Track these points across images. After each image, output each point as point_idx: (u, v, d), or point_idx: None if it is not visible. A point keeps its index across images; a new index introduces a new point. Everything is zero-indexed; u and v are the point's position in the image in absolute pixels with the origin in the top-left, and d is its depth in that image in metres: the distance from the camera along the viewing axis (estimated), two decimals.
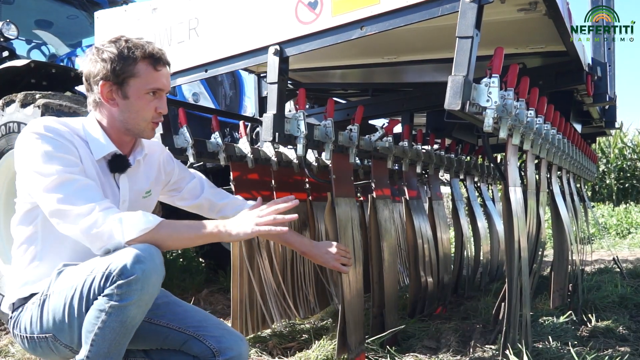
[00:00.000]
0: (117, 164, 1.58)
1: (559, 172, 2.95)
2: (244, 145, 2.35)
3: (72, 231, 1.38)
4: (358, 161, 2.81)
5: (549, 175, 2.73)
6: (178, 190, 1.88)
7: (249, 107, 4.13)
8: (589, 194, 11.21)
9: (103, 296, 1.32)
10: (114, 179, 1.59)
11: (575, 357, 1.95)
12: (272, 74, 1.78)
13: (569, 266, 2.95)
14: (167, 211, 3.23)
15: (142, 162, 1.68)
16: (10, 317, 1.54)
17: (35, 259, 1.52)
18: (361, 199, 2.96)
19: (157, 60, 1.52)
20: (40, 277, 1.51)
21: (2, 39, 3.75)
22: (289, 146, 2.28)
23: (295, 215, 1.57)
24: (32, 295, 1.50)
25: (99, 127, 1.57)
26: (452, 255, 3.53)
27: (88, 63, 1.54)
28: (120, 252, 1.35)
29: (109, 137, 1.57)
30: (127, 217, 1.40)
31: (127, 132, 1.58)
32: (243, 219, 1.52)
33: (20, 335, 1.50)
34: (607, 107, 3.31)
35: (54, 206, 1.38)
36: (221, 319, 1.72)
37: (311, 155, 2.58)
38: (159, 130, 2.19)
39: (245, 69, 3.16)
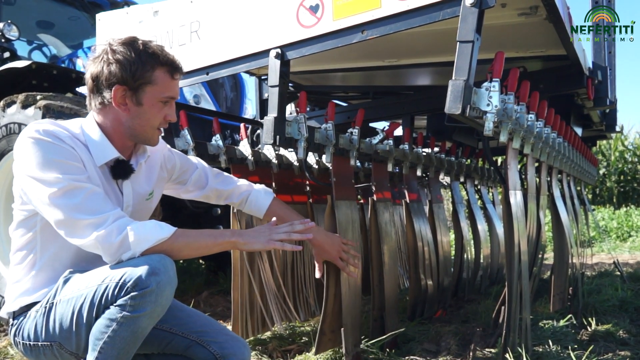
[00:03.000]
0: (120, 170, 1.53)
1: (559, 176, 2.96)
2: (244, 148, 2.35)
3: (84, 242, 1.35)
4: (358, 164, 2.81)
5: (549, 179, 2.74)
6: (182, 184, 1.84)
7: (250, 109, 4.14)
8: (590, 197, 11.21)
9: (115, 306, 1.31)
10: (116, 184, 1.55)
11: None
12: (273, 77, 1.78)
13: (569, 269, 2.95)
14: (168, 213, 3.21)
15: (143, 165, 1.63)
16: (12, 325, 1.52)
17: (35, 267, 1.49)
18: (361, 201, 2.96)
19: (175, 68, 1.50)
20: (41, 285, 1.49)
21: (3, 40, 3.75)
22: (290, 149, 2.29)
23: (310, 235, 1.63)
24: (35, 303, 1.48)
25: (100, 130, 1.51)
26: (452, 258, 3.53)
27: (99, 63, 1.46)
28: (135, 262, 1.34)
29: (110, 141, 1.51)
30: (143, 227, 1.38)
31: (132, 138, 1.53)
32: (260, 232, 1.57)
33: (23, 343, 1.48)
34: (607, 110, 3.31)
35: (63, 216, 1.35)
36: (222, 322, 1.71)
37: (312, 158, 2.58)
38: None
39: (247, 72, 3.17)
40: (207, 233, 1.51)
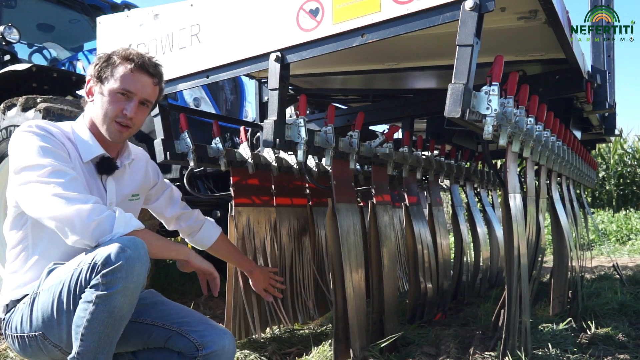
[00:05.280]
0: (105, 166, 1.64)
1: (558, 179, 2.96)
2: (244, 151, 2.36)
3: (63, 212, 1.38)
4: (358, 167, 2.81)
5: (548, 182, 2.74)
6: (154, 200, 2.00)
7: (250, 112, 4.15)
8: (589, 200, 11.21)
9: (90, 287, 1.35)
10: (101, 181, 1.65)
11: None
12: (273, 81, 1.78)
13: (569, 273, 2.95)
14: None
15: (128, 167, 1.74)
16: (3, 319, 1.57)
17: (27, 262, 1.56)
18: (361, 204, 2.96)
19: (136, 65, 1.61)
20: (31, 279, 1.54)
21: (4, 43, 3.76)
22: (290, 152, 2.29)
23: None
24: (25, 296, 1.53)
25: (88, 130, 1.64)
26: (452, 261, 3.53)
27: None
28: (106, 244, 1.38)
29: (96, 139, 1.63)
30: (123, 213, 1.46)
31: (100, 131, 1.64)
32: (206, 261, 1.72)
33: (12, 336, 1.53)
34: (606, 114, 3.32)
35: (48, 191, 1.40)
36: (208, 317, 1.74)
37: (311, 161, 2.59)
38: (160, 135, 2.20)
39: (247, 75, 3.17)
40: (168, 240, 1.66)
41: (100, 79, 1.60)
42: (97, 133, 1.64)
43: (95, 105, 1.63)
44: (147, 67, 1.63)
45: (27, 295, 1.52)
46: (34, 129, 1.51)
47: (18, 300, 1.54)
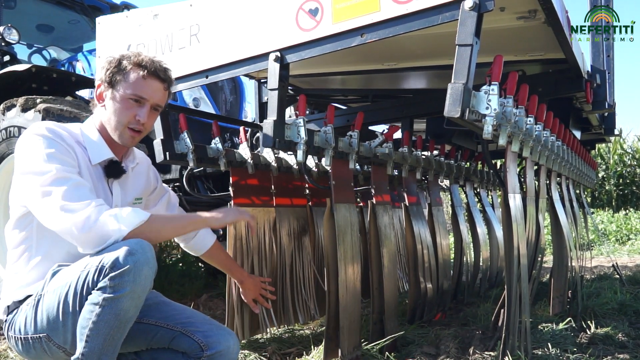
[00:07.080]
0: (113, 170, 1.65)
1: (558, 179, 2.96)
2: (244, 151, 2.36)
3: (63, 226, 1.39)
4: (358, 167, 2.81)
5: (548, 182, 2.74)
6: (153, 205, 1.99)
7: (249, 113, 4.15)
8: (589, 200, 11.21)
9: (97, 290, 1.35)
10: (107, 184, 1.65)
11: None
12: (273, 81, 1.78)
13: (569, 272, 2.95)
14: None
15: (131, 171, 1.76)
16: (5, 320, 1.56)
17: (30, 262, 1.55)
18: (361, 204, 2.96)
19: (149, 71, 1.61)
20: (35, 280, 1.53)
21: (3, 44, 3.76)
22: (289, 152, 2.29)
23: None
24: (27, 297, 1.53)
25: (98, 132, 1.65)
26: (452, 261, 3.53)
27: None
28: (113, 247, 1.38)
29: (105, 142, 1.64)
30: (121, 211, 1.45)
31: (111, 136, 1.65)
32: (228, 210, 1.68)
33: (15, 337, 1.52)
34: (606, 114, 3.32)
35: (49, 200, 1.40)
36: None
37: (311, 161, 2.58)
38: (159, 135, 2.20)
39: (246, 75, 3.17)
40: (180, 215, 1.65)
41: (111, 84, 1.61)
42: (106, 136, 1.65)
43: (107, 110, 1.63)
44: (158, 73, 1.64)
45: (30, 296, 1.52)
46: (43, 131, 1.51)
47: (21, 301, 1.54)
